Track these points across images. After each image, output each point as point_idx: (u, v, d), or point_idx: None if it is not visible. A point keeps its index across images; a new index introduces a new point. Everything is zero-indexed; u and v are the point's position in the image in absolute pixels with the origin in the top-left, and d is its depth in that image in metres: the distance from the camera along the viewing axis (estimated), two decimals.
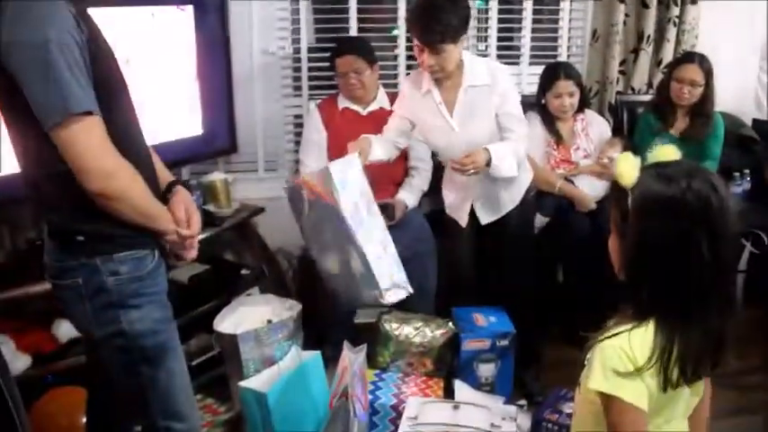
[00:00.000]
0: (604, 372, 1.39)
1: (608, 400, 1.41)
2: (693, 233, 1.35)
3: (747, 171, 3.73)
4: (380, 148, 2.72)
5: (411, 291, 2.55)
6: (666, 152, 1.47)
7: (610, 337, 1.41)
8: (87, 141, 1.56)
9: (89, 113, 1.55)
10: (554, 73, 3.39)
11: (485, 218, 2.92)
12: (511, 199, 2.90)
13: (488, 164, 2.59)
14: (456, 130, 2.74)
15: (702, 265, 1.35)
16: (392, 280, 2.49)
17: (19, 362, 2.56)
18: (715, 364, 1.46)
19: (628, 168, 1.41)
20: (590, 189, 3.31)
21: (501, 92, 2.70)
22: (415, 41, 2.63)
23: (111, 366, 1.83)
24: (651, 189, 1.39)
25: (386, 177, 3.29)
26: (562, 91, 3.35)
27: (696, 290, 1.38)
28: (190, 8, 3.08)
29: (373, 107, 3.33)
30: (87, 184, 1.58)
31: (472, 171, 2.57)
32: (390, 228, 3.17)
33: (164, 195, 1.91)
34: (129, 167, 1.64)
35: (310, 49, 3.69)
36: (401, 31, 3.75)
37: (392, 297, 2.50)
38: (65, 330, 2.71)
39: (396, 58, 3.80)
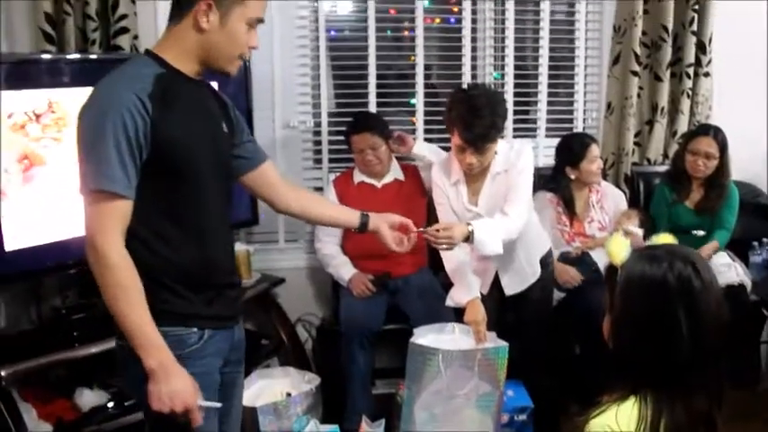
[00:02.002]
0: None
1: None
2: (673, 313, 1.38)
3: (766, 240, 3.72)
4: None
5: None
6: (665, 239, 1.54)
7: (597, 414, 1.44)
8: (100, 219, 1.62)
9: (115, 195, 1.61)
10: (584, 139, 3.44)
11: (510, 289, 2.91)
12: (533, 271, 2.91)
13: (468, 239, 2.48)
14: (483, 214, 2.75)
15: (682, 345, 1.39)
16: None
17: (40, 430, 2.59)
18: None
19: (618, 248, 1.48)
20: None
21: (518, 169, 2.70)
22: (456, 140, 2.63)
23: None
24: (635, 268, 1.45)
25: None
26: (596, 155, 3.40)
27: (677, 369, 1.40)
28: (214, 84, 3.17)
29: (388, 179, 3.40)
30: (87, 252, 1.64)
31: (445, 246, 2.49)
32: (405, 296, 3.24)
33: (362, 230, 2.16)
34: (121, 266, 1.62)
35: (330, 114, 3.77)
36: (419, 99, 3.84)
37: None
38: (87, 399, 2.74)
39: (413, 123, 3.87)
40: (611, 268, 1.51)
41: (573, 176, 3.40)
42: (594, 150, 3.39)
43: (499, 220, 2.61)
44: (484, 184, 2.76)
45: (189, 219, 1.77)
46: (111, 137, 1.59)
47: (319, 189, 3.76)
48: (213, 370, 1.80)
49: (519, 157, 2.71)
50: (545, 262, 2.95)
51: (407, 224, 2.24)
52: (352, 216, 2.20)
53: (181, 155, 1.71)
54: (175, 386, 1.64)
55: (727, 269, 3.43)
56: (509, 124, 3.90)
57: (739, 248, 3.63)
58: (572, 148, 3.42)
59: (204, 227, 1.81)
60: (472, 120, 2.55)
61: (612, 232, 3.41)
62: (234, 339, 1.92)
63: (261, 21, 1.80)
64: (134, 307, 1.63)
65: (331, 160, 3.77)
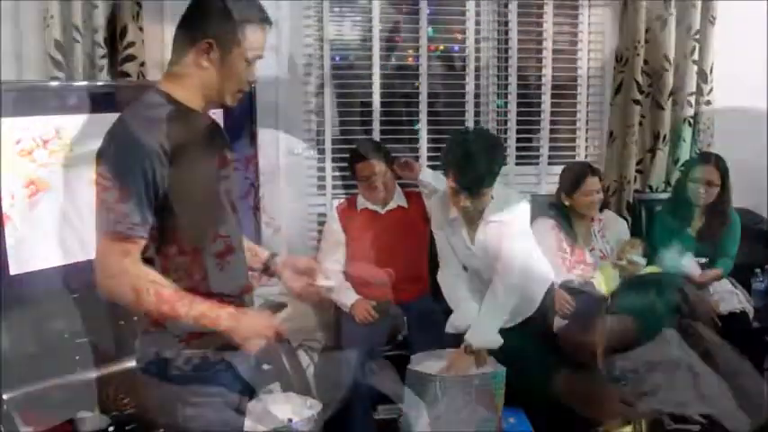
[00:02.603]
0: None
1: None
2: (663, 339, 1.40)
3: None
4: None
5: None
6: (651, 270, 1.57)
7: None
8: (118, 261, 1.67)
9: (131, 237, 1.67)
10: (583, 171, 3.44)
11: (508, 321, 2.89)
12: (531, 305, 2.92)
13: (470, 352, 2.66)
14: (478, 256, 2.81)
15: (675, 370, 1.40)
16: None
17: None
18: None
19: (607, 279, 1.51)
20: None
21: (513, 231, 2.75)
22: (451, 183, 2.68)
23: None
24: (624, 297, 1.47)
25: (408, 274, 3.34)
26: (592, 188, 3.39)
27: (671, 393, 1.42)
28: (219, 112, 3.21)
29: (391, 206, 3.41)
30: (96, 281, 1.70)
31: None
32: (406, 323, 3.25)
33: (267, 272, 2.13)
34: (144, 278, 1.69)
35: (334, 140, 3.80)
36: (423, 126, 3.87)
37: None
38: (88, 423, 2.74)
39: (417, 150, 3.90)
40: (604, 298, 1.54)
41: (567, 203, 3.42)
42: (591, 183, 3.38)
43: (489, 307, 2.73)
44: (478, 228, 2.80)
45: (207, 249, 1.82)
46: (129, 180, 1.65)
47: (323, 216, 3.79)
48: (233, 391, 1.88)
49: (513, 214, 2.76)
50: (546, 291, 2.97)
51: (312, 268, 2.15)
52: (261, 257, 2.18)
53: (196, 189, 1.77)
54: (253, 321, 1.78)
55: (730, 296, 3.41)
56: (511, 151, 3.93)
57: (741, 275, 3.62)
58: (568, 177, 3.45)
59: (223, 255, 1.86)
60: (467, 166, 2.60)
61: (615, 261, 3.41)
62: (251, 363, 1.99)
63: (260, 57, 1.83)
64: (177, 296, 1.70)
65: (335, 187, 3.80)
